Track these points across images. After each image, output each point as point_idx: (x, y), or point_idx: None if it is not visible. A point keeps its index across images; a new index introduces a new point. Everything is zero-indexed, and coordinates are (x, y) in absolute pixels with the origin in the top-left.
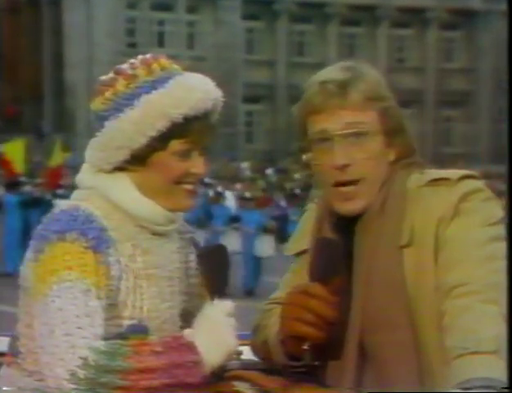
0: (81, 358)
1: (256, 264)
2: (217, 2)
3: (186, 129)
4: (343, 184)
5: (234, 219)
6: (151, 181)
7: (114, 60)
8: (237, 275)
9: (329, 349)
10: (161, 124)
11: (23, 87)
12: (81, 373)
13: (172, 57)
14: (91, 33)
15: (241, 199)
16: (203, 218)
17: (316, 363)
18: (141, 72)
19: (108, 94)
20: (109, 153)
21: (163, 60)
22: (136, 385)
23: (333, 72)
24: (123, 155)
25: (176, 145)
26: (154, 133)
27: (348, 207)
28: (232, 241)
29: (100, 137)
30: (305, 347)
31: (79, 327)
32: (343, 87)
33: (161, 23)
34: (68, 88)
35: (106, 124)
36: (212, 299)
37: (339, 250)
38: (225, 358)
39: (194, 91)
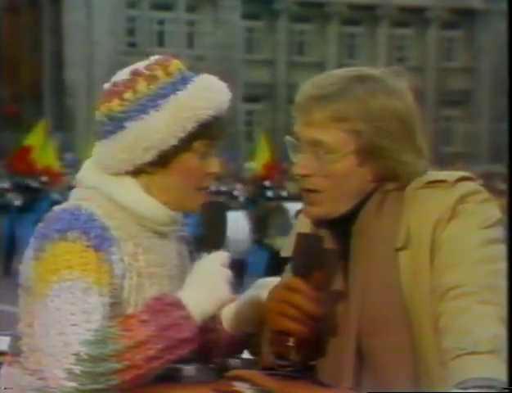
0: (73, 354)
1: None
2: (217, 1)
3: (210, 130)
4: (306, 190)
5: None
6: (168, 184)
7: (114, 60)
8: None
9: (314, 346)
10: (191, 125)
11: (23, 86)
12: (77, 369)
13: (173, 57)
14: (91, 33)
15: None
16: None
17: (299, 359)
18: (160, 73)
19: (127, 95)
20: (135, 155)
21: (176, 61)
22: (133, 362)
23: (317, 83)
24: (150, 156)
25: (199, 145)
26: (183, 134)
27: (310, 212)
28: None
29: (120, 139)
30: (290, 344)
31: (73, 325)
32: (311, 103)
33: (161, 22)
34: (68, 87)
35: (127, 125)
36: (208, 252)
37: (318, 245)
38: (216, 307)
39: (219, 92)
